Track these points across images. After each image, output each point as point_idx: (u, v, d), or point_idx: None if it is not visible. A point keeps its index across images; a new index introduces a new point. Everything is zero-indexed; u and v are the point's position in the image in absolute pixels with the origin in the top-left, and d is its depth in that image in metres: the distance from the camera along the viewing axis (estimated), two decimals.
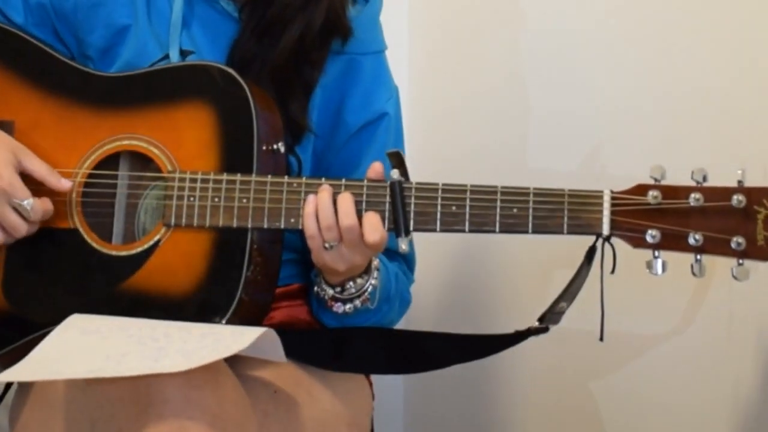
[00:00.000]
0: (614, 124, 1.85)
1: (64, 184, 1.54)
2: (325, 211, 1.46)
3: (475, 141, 2.13)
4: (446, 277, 2.17)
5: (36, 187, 1.54)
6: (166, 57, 1.63)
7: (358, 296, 1.55)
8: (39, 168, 1.54)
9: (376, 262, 1.55)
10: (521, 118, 2.03)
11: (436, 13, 2.27)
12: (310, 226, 1.46)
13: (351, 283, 1.54)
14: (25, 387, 1.54)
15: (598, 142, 1.86)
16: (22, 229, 1.52)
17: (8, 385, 1.66)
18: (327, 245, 1.46)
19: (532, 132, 2.02)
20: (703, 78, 1.70)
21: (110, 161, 1.57)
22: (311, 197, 1.47)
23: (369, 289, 1.55)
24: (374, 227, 1.45)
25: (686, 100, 1.72)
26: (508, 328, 1.54)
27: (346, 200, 1.46)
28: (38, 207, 1.52)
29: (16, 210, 1.51)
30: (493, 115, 2.09)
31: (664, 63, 1.76)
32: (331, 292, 1.55)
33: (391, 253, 1.59)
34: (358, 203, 1.47)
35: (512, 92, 2.05)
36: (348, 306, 1.56)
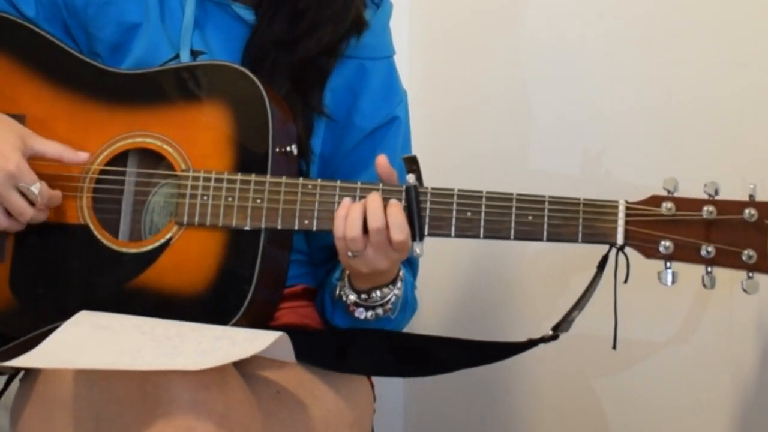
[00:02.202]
0: (616, 128, 1.86)
1: (80, 156, 1.53)
2: (355, 220, 1.46)
3: (476, 144, 2.13)
4: (455, 283, 2.17)
5: (48, 181, 1.53)
6: (177, 57, 1.63)
7: (381, 305, 1.56)
8: (52, 148, 1.53)
9: (401, 273, 1.56)
10: (523, 121, 2.03)
11: (437, 17, 2.27)
12: (338, 228, 1.47)
13: (377, 291, 1.55)
14: (27, 385, 1.53)
15: (600, 146, 1.87)
16: (27, 213, 1.51)
17: (8, 383, 1.65)
18: (350, 253, 1.47)
19: (533, 135, 2.02)
20: (707, 84, 1.71)
21: (123, 158, 1.57)
22: (347, 201, 1.47)
23: (392, 299, 1.56)
24: (400, 227, 1.45)
25: (691, 105, 1.73)
26: (517, 335, 1.54)
27: (374, 201, 1.46)
28: (45, 191, 1.51)
29: (23, 195, 1.51)
30: (495, 119, 2.10)
31: (669, 68, 1.77)
32: (353, 297, 1.56)
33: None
34: None
35: (513, 95, 2.06)
36: (370, 313, 1.56)
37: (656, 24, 1.80)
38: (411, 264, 1.69)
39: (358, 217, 1.46)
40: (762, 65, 1.63)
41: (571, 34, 1.96)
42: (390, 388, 2.22)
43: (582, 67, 1.93)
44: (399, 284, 1.55)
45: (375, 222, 1.45)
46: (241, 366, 1.46)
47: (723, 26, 1.70)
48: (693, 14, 1.74)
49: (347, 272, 1.56)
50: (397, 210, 1.46)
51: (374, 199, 1.46)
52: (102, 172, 1.56)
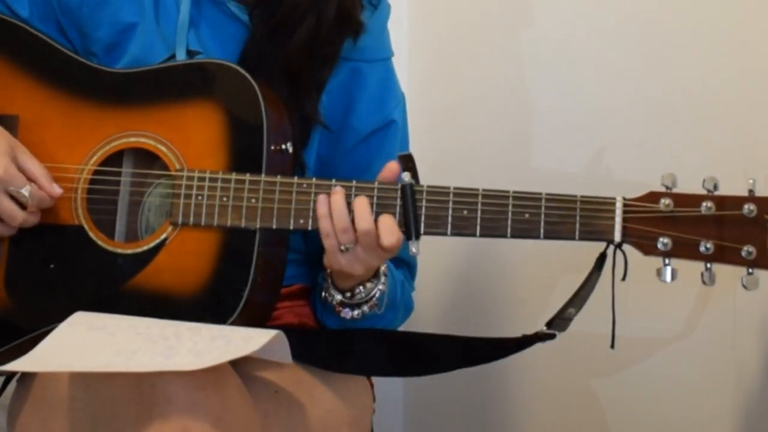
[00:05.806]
0: (617, 126, 1.85)
1: (55, 189, 1.53)
2: (340, 214, 1.45)
3: (477, 144, 2.13)
4: (453, 281, 2.17)
5: None
6: (173, 57, 1.62)
7: (366, 302, 1.55)
8: (34, 168, 1.53)
9: (383, 268, 1.54)
10: (523, 120, 2.03)
11: (437, 15, 2.27)
12: (325, 226, 1.46)
13: (361, 287, 1.54)
14: (24, 386, 1.52)
15: (601, 144, 1.87)
16: (18, 217, 1.51)
17: (5, 384, 1.64)
18: (343, 248, 1.46)
19: (534, 134, 2.02)
20: (706, 81, 1.70)
21: (117, 158, 1.56)
22: (322, 198, 1.47)
23: (377, 295, 1.55)
24: (390, 230, 1.44)
25: (691, 102, 1.72)
26: (514, 333, 1.54)
27: (361, 204, 1.45)
28: (36, 194, 1.51)
29: (13, 198, 1.50)
30: (495, 118, 2.10)
31: (669, 65, 1.77)
32: (339, 297, 1.55)
33: (396, 260, 1.59)
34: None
35: (514, 94, 2.05)
36: (356, 312, 1.56)
37: (657, 21, 1.80)
38: (409, 265, 1.68)
39: (342, 207, 1.45)
40: (762, 61, 1.62)
41: (571, 33, 1.96)
42: (390, 387, 2.21)
43: (583, 66, 1.93)
44: (383, 279, 1.54)
45: (362, 224, 1.45)
46: (239, 366, 1.45)
47: (723, 23, 1.69)
48: (693, 12, 1.74)
49: (329, 272, 1.55)
50: (388, 218, 1.45)
51: (361, 201, 1.45)
52: (96, 172, 1.55)
